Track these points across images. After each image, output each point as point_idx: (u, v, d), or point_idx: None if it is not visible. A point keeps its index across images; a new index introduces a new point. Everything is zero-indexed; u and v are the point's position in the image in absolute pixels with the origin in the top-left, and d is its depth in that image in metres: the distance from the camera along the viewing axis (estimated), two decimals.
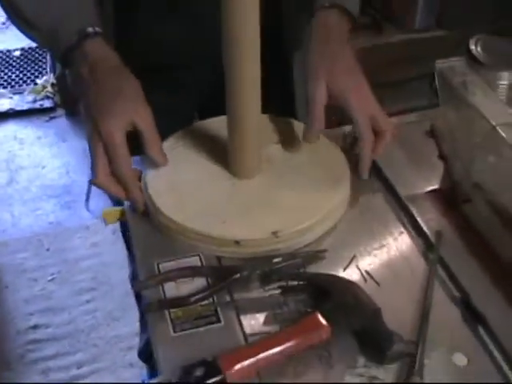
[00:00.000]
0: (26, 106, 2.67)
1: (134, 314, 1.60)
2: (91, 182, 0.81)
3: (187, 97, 1.09)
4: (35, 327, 1.90)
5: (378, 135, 0.85)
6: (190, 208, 0.81)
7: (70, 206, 2.27)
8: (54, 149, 2.51)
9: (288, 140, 0.92)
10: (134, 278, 1.38)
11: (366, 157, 0.85)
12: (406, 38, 2.18)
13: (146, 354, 1.58)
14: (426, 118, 1.01)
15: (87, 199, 2.00)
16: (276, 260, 0.77)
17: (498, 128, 0.78)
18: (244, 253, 0.78)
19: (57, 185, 2.35)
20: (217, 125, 0.92)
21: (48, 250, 2.13)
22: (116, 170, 0.79)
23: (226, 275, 0.76)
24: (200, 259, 0.79)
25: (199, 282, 0.76)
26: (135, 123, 0.80)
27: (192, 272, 0.77)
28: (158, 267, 0.78)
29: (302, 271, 0.77)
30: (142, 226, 0.84)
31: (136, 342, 1.68)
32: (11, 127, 2.62)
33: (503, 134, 0.77)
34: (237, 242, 0.77)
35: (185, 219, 0.79)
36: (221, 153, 0.88)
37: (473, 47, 0.91)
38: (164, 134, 0.89)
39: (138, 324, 1.58)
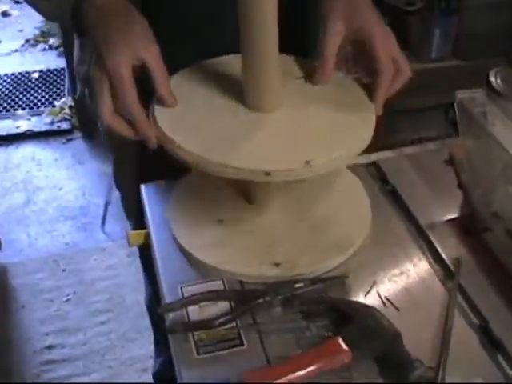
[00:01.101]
0: (43, 128, 2.71)
1: (149, 336, 1.62)
2: (99, 121, 0.79)
3: None
4: (50, 347, 1.92)
5: (396, 73, 0.84)
6: (209, 141, 0.75)
7: (86, 227, 2.29)
8: (70, 171, 2.54)
9: (309, 77, 0.87)
10: (151, 301, 1.39)
11: (383, 92, 0.83)
12: (421, 68, 2.20)
13: (161, 377, 1.59)
14: (445, 147, 1.03)
15: (103, 222, 2.03)
16: (298, 285, 0.78)
17: None
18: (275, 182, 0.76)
19: (73, 206, 2.38)
20: (226, 62, 0.88)
21: (64, 270, 2.15)
22: (123, 107, 0.76)
23: (249, 299, 0.77)
24: (223, 283, 0.81)
25: (222, 306, 0.78)
26: (143, 59, 0.77)
27: (215, 296, 0.78)
28: (182, 291, 0.80)
29: (323, 296, 0.78)
30: (166, 250, 0.85)
31: (150, 364, 1.69)
32: (29, 148, 2.66)
33: None
34: (267, 173, 0.72)
35: (205, 151, 0.73)
36: (234, 89, 0.82)
37: (492, 79, 0.92)
38: None
39: (152, 346, 1.59)
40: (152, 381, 1.65)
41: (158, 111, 0.79)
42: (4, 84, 2.95)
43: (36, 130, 2.70)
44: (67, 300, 2.05)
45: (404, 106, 2.26)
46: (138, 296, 1.79)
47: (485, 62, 2.19)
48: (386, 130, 2.38)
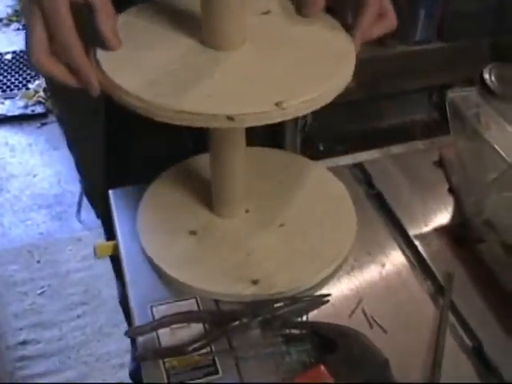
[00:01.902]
0: (17, 112, 2.62)
1: (125, 329, 1.56)
2: (29, 63, 0.66)
3: None
4: (24, 343, 1.86)
5: (380, 17, 0.75)
6: (161, 85, 0.64)
7: (60, 216, 2.22)
8: (45, 157, 2.46)
9: (279, 11, 0.77)
10: (123, 297, 1.32)
11: (364, 26, 0.73)
12: (406, 50, 2.13)
13: (137, 376, 1.53)
14: (434, 147, 0.97)
15: (78, 210, 1.94)
16: (278, 305, 0.72)
17: None
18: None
19: (48, 194, 2.30)
20: None
21: (39, 262, 2.08)
22: (61, 47, 0.65)
23: (225, 321, 0.71)
24: (197, 302, 0.74)
25: (196, 328, 0.72)
26: None
27: (188, 318, 0.72)
28: (152, 310, 0.74)
29: (305, 319, 0.73)
30: (135, 264, 0.79)
31: (127, 358, 1.64)
32: (2, 133, 2.57)
33: None
34: (230, 118, 0.61)
35: (156, 96, 0.63)
36: (192, 25, 0.72)
37: (486, 76, 0.86)
38: None
39: (129, 340, 1.54)
40: (128, 377, 1.59)
41: (102, 53, 0.68)
42: None
43: (9, 114, 2.61)
44: (42, 293, 1.98)
45: (389, 89, 2.21)
46: (113, 288, 1.72)
47: (470, 43, 2.15)
48: (371, 113, 2.34)
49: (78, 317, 1.91)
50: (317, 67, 0.68)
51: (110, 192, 0.90)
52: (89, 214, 2.17)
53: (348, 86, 1.93)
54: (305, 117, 1.13)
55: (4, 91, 2.71)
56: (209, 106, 0.61)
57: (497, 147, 0.77)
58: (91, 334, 1.87)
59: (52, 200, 2.28)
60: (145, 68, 0.67)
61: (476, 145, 0.81)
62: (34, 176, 2.37)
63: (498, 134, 0.79)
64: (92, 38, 0.69)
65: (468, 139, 0.83)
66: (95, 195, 1.09)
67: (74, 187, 2.27)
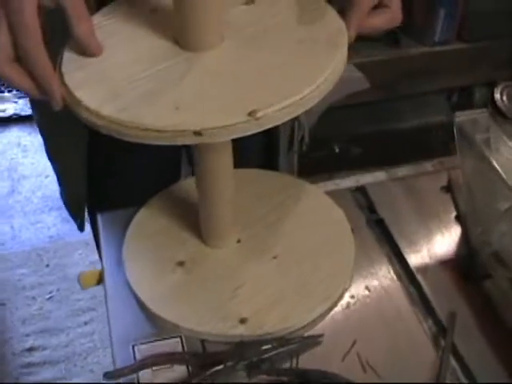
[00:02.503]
0: (30, 111, 2.58)
1: None
2: None
3: None
4: (31, 349, 1.83)
5: (382, 7, 0.69)
6: (125, 98, 0.58)
7: (70, 219, 2.18)
8: None
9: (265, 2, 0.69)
10: None
11: (361, 13, 0.67)
12: (424, 51, 2.08)
13: None
14: (443, 168, 0.91)
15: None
16: (266, 347, 0.68)
17: None
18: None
19: (59, 196, 2.27)
20: None
21: (47, 266, 2.06)
22: (24, 53, 0.59)
23: (210, 364, 0.67)
24: (181, 342, 0.70)
25: (179, 370, 0.67)
26: None
27: (171, 359, 0.68)
28: (134, 350, 0.70)
29: (295, 361, 0.68)
30: (119, 297, 0.75)
31: None
32: (15, 133, 2.55)
33: None
34: (198, 133, 0.54)
35: (118, 110, 0.56)
36: (165, 23, 0.66)
37: (498, 96, 0.81)
38: None
39: None
40: None
41: (67, 61, 0.62)
42: None
43: (23, 113, 2.58)
44: (50, 298, 1.96)
45: (407, 90, 2.15)
46: None
47: (492, 44, 2.08)
48: (388, 115, 2.28)
49: (86, 323, 1.89)
50: (301, 66, 0.60)
51: (99, 216, 0.86)
52: None
53: (366, 87, 1.85)
54: (302, 136, 1.07)
55: (18, 90, 2.68)
56: (174, 120, 0.55)
57: (507, 179, 0.71)
58: (99, 341, 1.85)
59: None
60: (110, 78, 0.61)
61: (485, 172, 0.76)
62: (46, 177, 2.35)
63: (509, 163, 0.73)
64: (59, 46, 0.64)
65: (476, 166, 0.78)
66: (75, 207, 1.05)
67: None
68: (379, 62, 2.07)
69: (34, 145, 2.49)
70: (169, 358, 0.68)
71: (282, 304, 0.71)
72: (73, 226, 2.23)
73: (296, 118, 1.06)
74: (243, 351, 0.68)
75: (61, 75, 0.61)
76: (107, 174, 1.03)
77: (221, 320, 0.70)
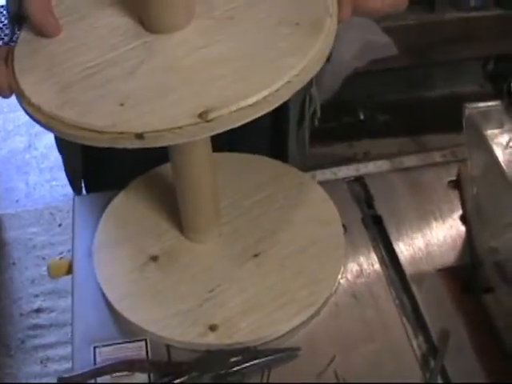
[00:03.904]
0: None
1: None
2: None
3: None
4: (38, 311, 1.82)
5: None
6: (70, 89, 0.52)
7: None
8: None
9: None
10: None
11: (349, 3, 0.59)
12: (460, 17, 1.96)
13: None
14: (454, 160, 0.82)
15: None
16: (235, 359, 0.62)
17: None
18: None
19: None
20: None
21: (60, 225, 2.03)
22: None
23: (173, 374, 0.62)
24: (146, 345, 0.65)
25: (140, 378, 0.63)
26: None
27: (132, 366, 0.63)
28: (95, 352, 0.65)
29: (264, 380, 0.62)
30: (86, 293, 0.70)
31: None
32: None
33: None
34: (139, 136, 0.49)
35: (59, 105, 0.51)
36: (129, 3, 0.59)
37: None
38: None
39: None
40: None
41: (20, 46, 0.57)
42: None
43: None
44: (60, 259, 1.93)
45: (439, 57, 2.05)
46: None
47: None
48: (418, 82, 2.18)
49: None
50: (272, 55, 0.52)
51: (76, 198, 0.80)
52: None
53: (394, 52, 1.74)
54: (314, 109, 0.99)
55: None
56: (115, 120, 0.49)
57: None
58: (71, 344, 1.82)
59: None
60: (60, 66, 0.54)
61: (493, 172, 0.68)
62: None
63: None
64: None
65: (485, 164, 0.70)
66: (73, 176, 1.00)
67: None
68: (412, 26, 1.97)
69: None
70: (130, 366, 0.63)
71: (257, 311, 0.65)
72: None
73: (307, 91, 0.99)
74: (210, 362, 0.62)
75: (12, 60, 0.55)
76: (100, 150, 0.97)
77: (189, 326, 0.64)
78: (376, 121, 2.20)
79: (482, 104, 0.70)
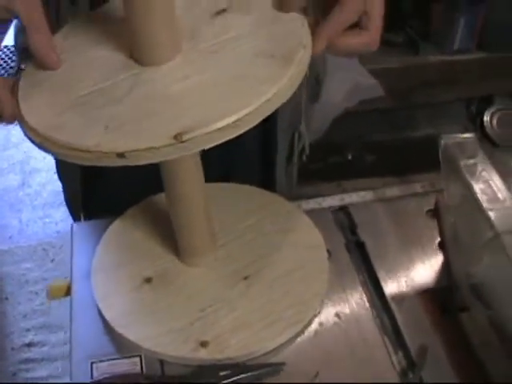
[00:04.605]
0: None
1: None
2: None
3: None
4: (30, 345, 1.84)
5: (360, 29, 0.65)
6: (63, 115, 0.57)
7: None
8: None
9: (237, 8, 0.66)
10: None
11: (332, 26, 0.63)
12: (443, 60, 2.04)
13: None
14: (433, 190, 0.88)
15: None
16: (223, 373, 0.66)
17: (503, 236, 0.65)
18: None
19: None
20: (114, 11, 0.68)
21: (53, 261, 2.06)
22: None
23: None
24: (140, 361, 0.68)
25: None
26: (13, 9, 0.58)
27: (127, 380, 0.66)
28: (92, 367, 0.68)
29: None
30: (84, 312, 0.74)
31: None
32: None
33: (506, 245, 0.64)
34: (121, 155, 0.53)
35: (53, 128, 0.55)
36: (123, 37, 0.63)
37: (487, 120, 0.77)
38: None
39: None
40: None
41: (25, 77, 0.62)
42: (8, 56, 2.82)
43: None
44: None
45: (423, 99, 2.11)
46: None
47: (511, 54, 2.03)
48: (403, 123, 2.25)
49: None
50: (246, 83, 0.56)
51: (74, 225, 0.84)
52: None
53: (380, 94, 1.80)
54: (303, 146, 1.05)
55: None
56: (98, 140, 0.53)
57: (488, 210, 0.68)
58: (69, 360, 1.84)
59: None
60: (57, 95, 0.59)
61: (468, 201, 0.73)
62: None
63: (493, 194, 0.70)
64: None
65: (460, 192, 0.75)
66: (73, 205, 1.04)
67: None
68: (397, 70, 2.04)
69: None
70: (124, 380, 0.66)
71: (246, 329, 0.69)
72: None
73: (296, 129, 1.04)
74: (202, 376, 0.66)
75: (17, 90, 0.60)
76: (98, 176, 1.02)
77: (182, 342, 0.68)
78: (363, 161, 2.25)
79: (457, 136, 0.75)
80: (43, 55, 0.60)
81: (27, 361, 1.80)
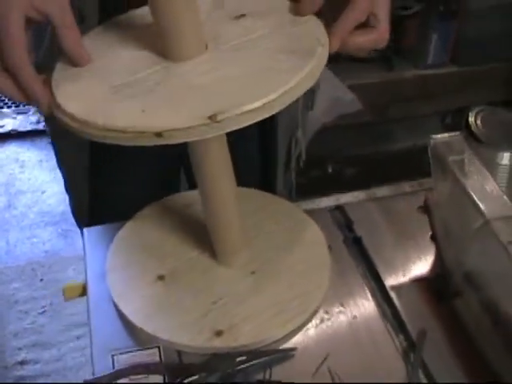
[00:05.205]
0: (29, 127, 2.63)
1: None
2: None
3: None
4: (23, 363, 1.85)
5: (369, 28, 0.71)
6: (102, 102, 0.62)
7: (66, 234, 2.21)
8: (55, 173, 2.46)
9: (256, 13, 0.71)
10: None
11: (346, 26, 0.68)
12: (417, 74, 2.11)
13: None
14: (421, 189, 0.93)
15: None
16: (239, 359, 0.70)
17: (492, 222, 0.70)
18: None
19: (55, 211, 2.30)
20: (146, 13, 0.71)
21: (41, 280, 2.07)
22: (9, 64, 0.63)
23: (185, 375, 0.69)
24: (159, 352, 0.72)
25: (155, 380, 0.70)
26: (45, 12, 0.63)
27: (147, 369, 0.70)
28: (113, 359, 0.72)
29: (268, 374, 0.70)
30: (101, 309, 0.78)
31: None
32: (13, 149, 2.58)
33: (497, 231, 0.69)
34: (159, 134, 0.57)
35: (90, 113, 0.60)
36: (151, 36, 0.69)
37: (472, 120, 0.83)
38: None
39: None
40: None
41: (58, 71, 0.67)
42: None
43: (21, 129, 2.61)
44: (43, 312, 1.97)
45: (400, 113, 2.18)
46: None
47: (484, 68, 2.12)
48: (382, 136, 2.31)
49: (78, 338, 1.90)
50: (271, 74, 0.62)
51: (85, 230, 0.88)
52: None
53: (358, 108, 1.87)
54: (299, 152, 1.10)
55: (17, 106, 2.72)
56: (137, 121, 0.58)
57: (477, 200, 0.74)
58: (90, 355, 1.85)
59: (59, 217, 2.28)
60: (91, 86, 0.64)
61: (457, 193, 0.78)
62: (43, 192, 2.38)
63: (480, 186, 0.76)
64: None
65: (449, 187, 0.80)
66: (80, 215, 1.08)
67: None
68: (374, 85, 2.10)
69: (32, 160, 2.52)
70: (145, 369, 0.70)
71: (257, 318, 0.74)
72: (68, 241, 2.27)
73: (293, 135, 1.09)
74: (218, 363, 0.70)
75: (50, 83, 0.65)
76: (107, 185, 1.06)
77: (197, 333, 0.72)
78: (343, 174, 2.31)
79: (445, 135, 0.81)
80: (74, 52, 0.66)
81: (21, 378, 1.81)
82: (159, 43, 0.66)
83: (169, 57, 0.66)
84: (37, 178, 2.44)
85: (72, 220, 2.26)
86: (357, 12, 0.68)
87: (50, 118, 1.00)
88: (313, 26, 0.68)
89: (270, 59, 0.64)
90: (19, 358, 1.85)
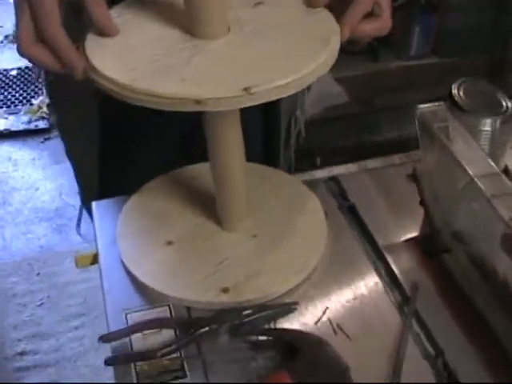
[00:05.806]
0: (21, 127, 2.66)
1: None
2: (18, 53, 0.70)
3: None
4: (23, 354, 1.88)
5: (373, 16, 0.77)
6: (140, 69, 0.67)
7: (61, 229, 2.25)
8: (47, 171, 2.50)
9: (272, 2, 0.78)
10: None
11: (355, 16, 0.74)
12: (402, 65, 2.18)
13: None
14: (410, 161, 0.99)
15: (78, 223, 1.97)
16: (246, 312, 0.75)
17: (476, 180, 0.76)
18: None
19: (49, 208, 2.34)
20: None
21: (38, 274, 2.11)
22: (46, 36, 0.68)
23: (195, 327, 0.74)
24: (169, 309, 0.77)
25: (167, 334, 0.74)
26: None
27: (160, 324, 0.75)
28: (127, 317, 0.77)
29: (271, 326, 0.75)
30: (113, 273, 0.82)
31: None
32: (6, 148, 2.62)
33: (481, 186, 0.75)
34: (198, 102, 0.63)
35: (131, 79, 0.65)
36: (180, 15, 0.74)
37: (455, 91, 0.89)
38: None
39: None
40: None
41: (89, 40, 0.72)
42: None
43: (13, 129, 2.65)
44: (41, 304, 2.01)
45: (385, 103, 2.24)
46: None
47: (465, 59, 2.18)
48: (368, 127, 2.37)
49: (76, 328, 1.94)
50: (295, 55, 0.69)
51: (93, 203, 0.93)
52: (88, 227, 2.20)
53: (345, 100, 1.94)
54: (299, 130, 1.17)
55: (8, 107, 2.76)
56: (178, 89, 0.63)
57: (462, 160, 0.79)
58: (88, 345, 1.90)
59: (53, 213, 2.32)
60: (126, 54, 0.70)
61: (443, 159, 0.84)
62: (36, 189, 2.41)
63: (464, 149, 0.82)
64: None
65: (436, 153, 0.86)
66: (86, 181, 1.12)
67: (75, 201, 2.30)
68: (358, 77, 2.16)
69: (25, 159, 2.56)
70: (157, 323, 0.75)
71: (260, 276, 0.79)
72: (62, 236, 2.30)
73: (292, 114, 1.16)
74: (225, 316, 0.75)
75: (83, 50, 0.70)
76: (117, 175, 1.10)
77: (205, 290, 0.77)
78: (331, 165, 2.35)
79: (430, 105, 0.87)
80: (103, 24, 0.71)
81: (20, 369, 1.85)
82: (186, 21, 0.72)
83: (196, 35, 0.71)
84: (30, 175, 2.48)
85: (66, 215, 2.32)
86: (363, 4, 0.75)
87: (57, 112, 1.05)
88: (325, 16, 0.75)
89: (292, 43, 0.71)
90: (19, 349, 1.89)
